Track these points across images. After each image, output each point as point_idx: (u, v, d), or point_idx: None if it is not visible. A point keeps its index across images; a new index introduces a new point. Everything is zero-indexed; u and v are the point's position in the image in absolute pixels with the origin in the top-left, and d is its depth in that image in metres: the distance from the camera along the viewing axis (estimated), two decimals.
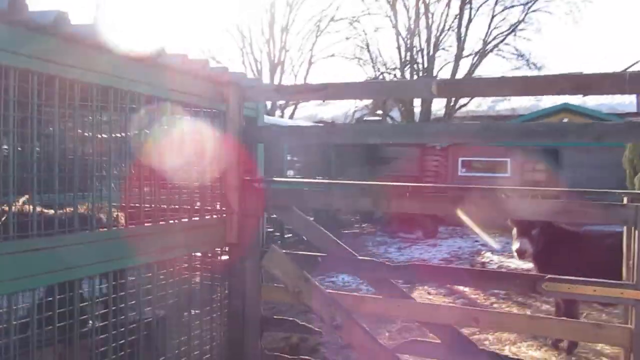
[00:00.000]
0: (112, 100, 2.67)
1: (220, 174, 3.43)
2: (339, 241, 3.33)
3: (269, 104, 19.22)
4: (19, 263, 2.20)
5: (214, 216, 3.42)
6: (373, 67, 23.45)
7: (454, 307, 3.90)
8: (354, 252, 3.28)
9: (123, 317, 2.74)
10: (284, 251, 3.27)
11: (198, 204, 3.38)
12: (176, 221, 3.12)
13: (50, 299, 2.44)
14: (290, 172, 11.88)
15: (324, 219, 9.12)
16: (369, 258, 3.39)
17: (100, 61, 2.56)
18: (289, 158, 11.75)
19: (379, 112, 21.60)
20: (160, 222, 3.00)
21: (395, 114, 22.12)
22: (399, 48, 22.56)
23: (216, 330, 3.41)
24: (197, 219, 3.28)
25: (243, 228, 3.36)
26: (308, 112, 24.76)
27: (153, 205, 3.04)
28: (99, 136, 2.71)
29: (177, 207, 3.23)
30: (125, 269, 2.81)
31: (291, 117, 22.85)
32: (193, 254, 3.32)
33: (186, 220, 3.20)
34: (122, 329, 2.71)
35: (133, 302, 2.84)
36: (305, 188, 5.22)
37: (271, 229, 8.69)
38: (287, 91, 5.10)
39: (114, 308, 2.67)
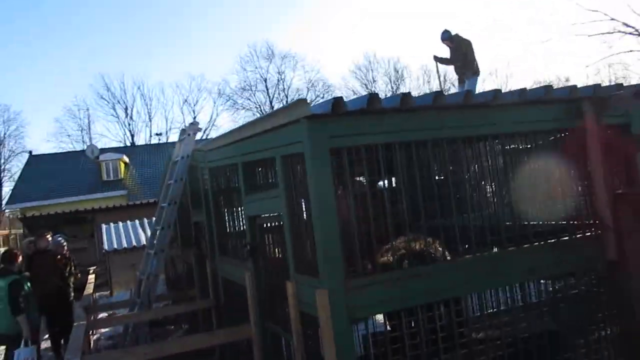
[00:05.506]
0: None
1: (586, 190, 3.39)
2: None
3: None
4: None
5: (586, 233, 3.36)
6: None
7: None
8: None
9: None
10: None
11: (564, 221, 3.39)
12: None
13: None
14: None
15: None
16: None
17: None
18: None
19: None
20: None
21: None
22: None
23: (607, 349, 3.31)
24: (566, 238, 3.30)
25: (622, 245, 3.22)
26: None
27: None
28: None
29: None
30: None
31: None
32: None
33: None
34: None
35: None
36: None
37: None
38: None
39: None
